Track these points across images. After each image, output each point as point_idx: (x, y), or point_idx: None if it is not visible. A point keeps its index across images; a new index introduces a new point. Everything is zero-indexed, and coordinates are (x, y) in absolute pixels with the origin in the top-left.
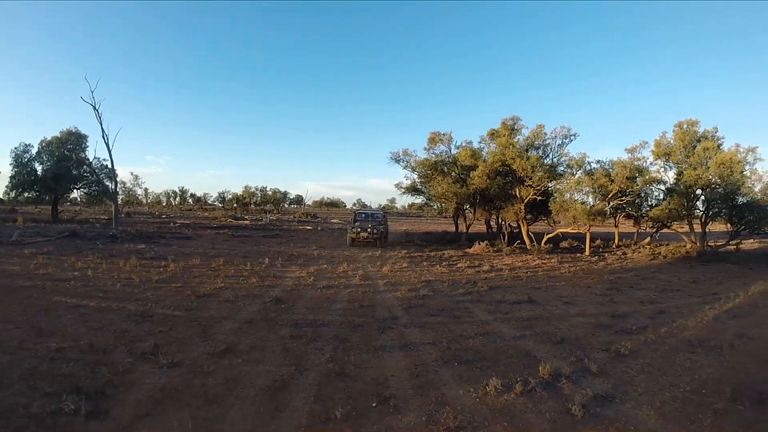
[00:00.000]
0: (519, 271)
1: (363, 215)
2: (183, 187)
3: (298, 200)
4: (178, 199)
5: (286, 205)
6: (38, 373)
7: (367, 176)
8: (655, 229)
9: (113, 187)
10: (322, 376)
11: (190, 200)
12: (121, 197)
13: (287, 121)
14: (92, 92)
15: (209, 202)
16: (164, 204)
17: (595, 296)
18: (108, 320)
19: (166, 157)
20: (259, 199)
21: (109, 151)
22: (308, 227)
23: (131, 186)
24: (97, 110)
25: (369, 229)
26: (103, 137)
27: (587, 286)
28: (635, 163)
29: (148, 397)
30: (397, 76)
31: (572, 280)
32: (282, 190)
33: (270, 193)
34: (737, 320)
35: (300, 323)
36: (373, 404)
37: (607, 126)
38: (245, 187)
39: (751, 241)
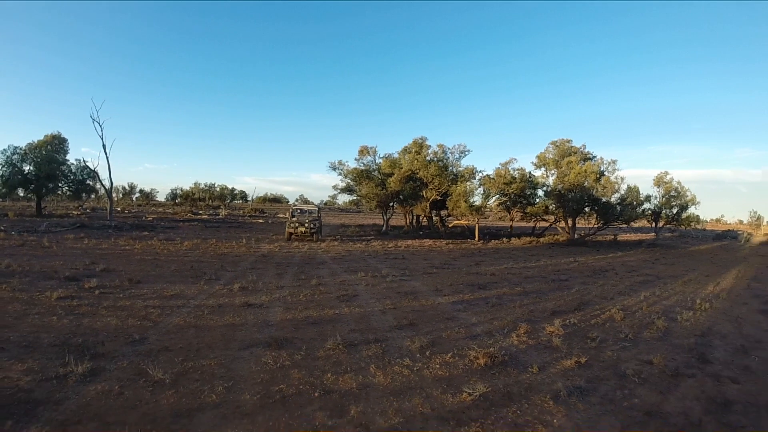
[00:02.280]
0: (412, 247)
1: (299, 211)
2: (132, 183)
3: (241, 196)
4: (122, 194)
5: (229, 201)
6: (178, 273)
7: (309, 171)
8: (548, 224)
9: (110, 186)
10: (294, 273)
11: (136, 195)
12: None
13: (225, 114)
14: (98, 111)
15: (156, 198)
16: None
17: (448, 258)
18: (184, 263)
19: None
20: (208, 195)
21: (107, 158)
22: (260, 220)
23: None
24: (101, 125)
25: (306, 224)
26: (104, 148)
27: (450, 254)
28: (513, 172)
29: (231, 277)
30: (338, 75)
31: (444, 252)
32: (229, 186)
33: (218, 189)
34: (519, 269)
35: (279, 262)
36: (315, 277)
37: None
38: (195, 183)
39: (670, 234)
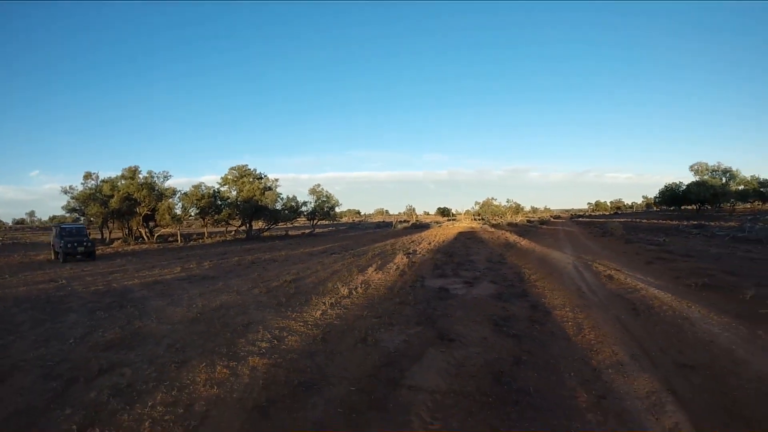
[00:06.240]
0: (135, 249)
1: (67, 230)
2: None
3: None
4: None
5: None
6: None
7: None
8: (234, 227)
9: None
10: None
11: None
12: None
13: None
14: None
15: None
16: None
17: (162, 253)
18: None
19: None
20: None
21: None
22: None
23: None
24: None
25: (84, 243)
26: None
27: (161, 251)
28: (203, 191)
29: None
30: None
31: (157, 250)
32: None
33: None
34: (203, 252)
35: (78, 261)
36: (110, 266)
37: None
38: None
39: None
